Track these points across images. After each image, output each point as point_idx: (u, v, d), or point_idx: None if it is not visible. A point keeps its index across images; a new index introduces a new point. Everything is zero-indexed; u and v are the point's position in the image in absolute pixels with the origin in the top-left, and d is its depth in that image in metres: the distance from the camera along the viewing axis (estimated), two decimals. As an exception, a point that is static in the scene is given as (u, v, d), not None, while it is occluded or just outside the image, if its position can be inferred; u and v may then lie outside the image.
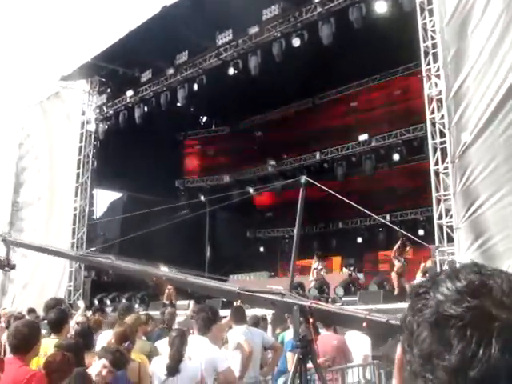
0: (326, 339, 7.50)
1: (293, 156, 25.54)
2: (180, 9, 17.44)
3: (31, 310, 12.86)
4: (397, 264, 16.03)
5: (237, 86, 20.79)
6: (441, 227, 13.09)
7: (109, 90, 23.81)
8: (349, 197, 8.84)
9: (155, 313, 12.67)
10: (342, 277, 19.07)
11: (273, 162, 25.90)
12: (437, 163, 13.30)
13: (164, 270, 6.74)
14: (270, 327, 11.58)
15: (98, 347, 6.39)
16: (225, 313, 8.87)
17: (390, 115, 22.99)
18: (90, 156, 23.14)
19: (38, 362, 4.89)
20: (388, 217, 22.12)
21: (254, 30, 18.19)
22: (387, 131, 22.30)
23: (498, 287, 0.86)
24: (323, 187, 6.69)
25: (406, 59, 20.61)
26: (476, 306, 0.84)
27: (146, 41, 18.50)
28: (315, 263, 17.86)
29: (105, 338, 6.95)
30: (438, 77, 13.22)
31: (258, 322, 8.94)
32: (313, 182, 5.55)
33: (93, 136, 23.38)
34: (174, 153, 28.42)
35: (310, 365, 4.87)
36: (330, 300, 14.97)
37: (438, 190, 13.32)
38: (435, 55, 13.37)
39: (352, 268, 21.22)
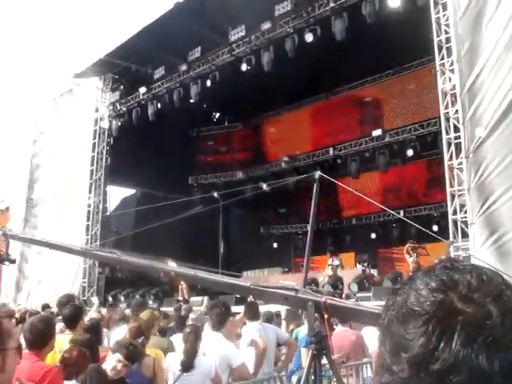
0: (343, 335, 7.49)
1: (306, 152, 25.50)
2: (192, 5, 17.44)
3: (46, 306, 12.93)
4: (409, 260, 15.96)
5: (250, 82, 20.76)
6: (455, 223, 13.01)
7: (122, 87, 23.86)
8: (362, 193, 8.83)
9: (169, 309, 12.72)
10: (356, 273, 19.01)
11: (286, 158, 25.87)
12: (451, 158, 13.22)
13: (172, 265, 6.70)
14: (283, 323, 11.58)
15: (112, 343, 6.41)
16: (238, 309, 8.87)
17: (404, 110, 22.89)
18: (104, 153, 23.21)
19: (53, 358, 4.92)
20: (402, 212, 22.02)
21: (266, 25, 18.16)
22: (401, 126, 22.21)
23: (466, 282, 0.88)
24: (338, 182, 6.66)
25: (420, 54, 20.51)
26: (441, 300, 0.86)
27: (158, 37, 18.51)
28: (329, 259, 17.83)
29: (119, 333, 6.97)
30: (451, 71, 13.13)
31: (272, 318, 8.94)
32: (327, 177, 5.51)
33: (106, 133, 23.46)
34: (187, 149, 28.44)
35: (324, 361, 4.86)
36: (343, 296, 14.93)
37: (452, 186, 13.24)
38: (449, 49, 13.27)
39: (366, 264, 21.15)
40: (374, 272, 21.25)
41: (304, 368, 4.71)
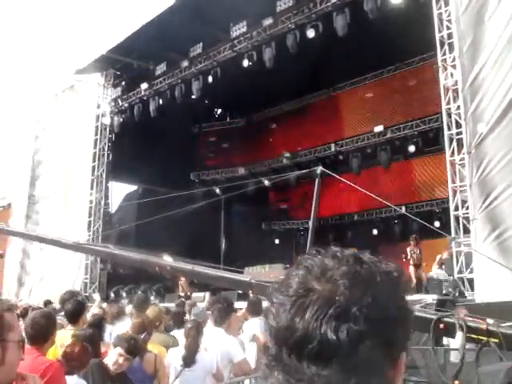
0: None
1: (308, 148, 25.49)
2: (194, 1, 17.43)
3: (48, 302, 12.95)
4: (413, 256, 15.97)
5: (251, 78, 20.72)
6: (457, 218, 13.01)
7: (123, 83, 23.87)
8: (364, 188, 8.82)
9: (171, 305, 12.72)
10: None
11: (288, 154, 25.87)
12: (453, 154, 13.21)
13: (168, 259, 6.64)
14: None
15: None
16: (241, 305, 8.87)
17: (406, 106, 22.87)
18: (106, 149, 23.22)
19: (54, 353, 4.92)
20: (403, 208, 22.01)
21: (268, 21, 18.14)
22: (403, 122, 22.19)
23: (322, 264, 1.01)
24: (339, 177, 6.66)
25: (422, 49, 20.47)
26: (301, 283, 0.99)
27: (160, 33, 18.49)
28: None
29: (122, 328, 6.98)
30: (453, 67, 13.10)
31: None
32: (329, 172, 5.52)
33: (108, 129, 23.46)
34: (189, 145, 28.42)
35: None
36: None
37: (454, 181, 13.24)
38: (451, 45, 13.25)
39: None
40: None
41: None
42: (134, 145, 23.84)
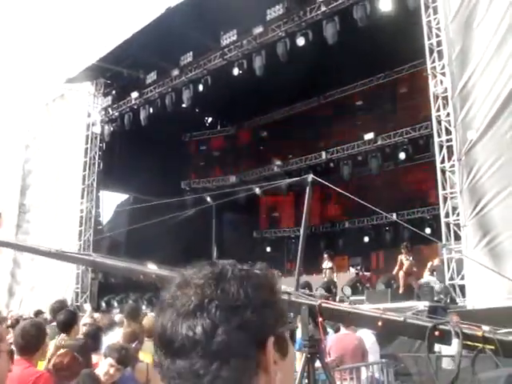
0: (345, 338, 7.52)
1: (298, 156, 25.50)
2: (184, 10, 17.43)
3: (38, 312, 12.88)
4: (405, 263, 15.97)
5: (242, 87, 20.77)
6: (448, 225, 13.05)
7: (114, 92, 23.84)
8: (355, 196, 8.82)
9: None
10: (348, 276, 19.01)
11: (278, 162, 25.87)
12: (443, 161, 13.26)
13: (152, 267, 6.57)
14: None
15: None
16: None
17: (396, 113, 22.96)
18: (96, 158, 23.17)
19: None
20: (395, 216, 22.03)
21: (258, 29, 18.19)
22: (393, 130, 22.24)
23: (183, 276, 1.14)
24: (330, 185, 6.66)
25: (411, 57, 20.56)
26: (169, 294, 1.12)
27: (150, 42, 18.51)
28: (324, 262, 17.79)
29: (113, 338, 6.94)
30: (443, 74, 13.18)
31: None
32: (319, 180, 5.51)
33: (98, 138, 23.41)
34: (180, 154, 28.39)
35: (318, 364, 4.85)
36: (337, 300, 14.93)
37: (444, 188, 13.29)
38: (440, 53, 13.33)
39: (359, 267, 21.16)
40: (368, 274, 21.26)
41: (298, 372, 4.70)
42: (125, 154, 23.78)
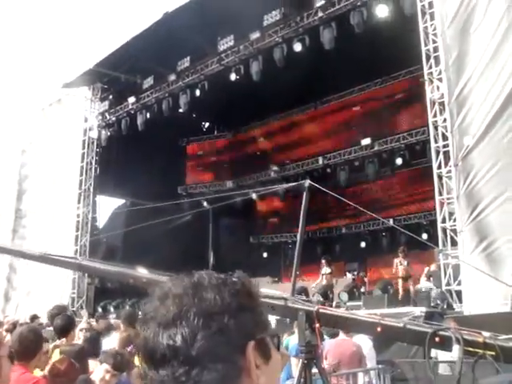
0: (343, 343, 7.51)
1: (295, 161, 25.52)
2: (181, 15, 17.45)
3: (34, 317, 12.84)
4: (399, 268, 15.97)
5: (239, 92, 20.79)
6: (444, 230, 13.05)
7: (111, 97, 23.83)
8: (351, 201, 8.83)
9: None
10: (345, 282, 19.01)
11: (275, 168, 25.88)
12: (440, 167, 13.27)
13: (143, 271, 6.49)
14: (274, 332, 11.49)
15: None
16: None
17: (393, 119, 22.98)
18: (93, 163, 23.14)
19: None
20: (391, 221, 22.05)
21: (255, 35, 18.22)
22: (390, 135, 22.28)
23: (163, 288, 1.18)
24: (327, 191, 6.65)
25: (408, 63, 20.58)
26: (152, 307, 1.17)
27: (147, 47, 18.54)
28: (323, 268, 17.76)
29: (109, 343, 6.92)
30: (440, 80, 13.20)
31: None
32: (316, 185, 5.51)
33: (95, 143, 23.39)
34: (177, 159, 28.39)
35: (315, 370, 4.84)
36: (333, 305, 14.91)
37: (441, 194, 13.29)
38: (437, 58, 13.35)
39: (356, 273, 21.17)
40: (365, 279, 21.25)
41: (294, 377, 4.70)
42: (122, 159, 23.76)
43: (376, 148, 22.40)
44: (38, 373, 4.42)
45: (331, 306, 13.30)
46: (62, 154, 23.26)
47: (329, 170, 24.21)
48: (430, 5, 13.61)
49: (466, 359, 3.82)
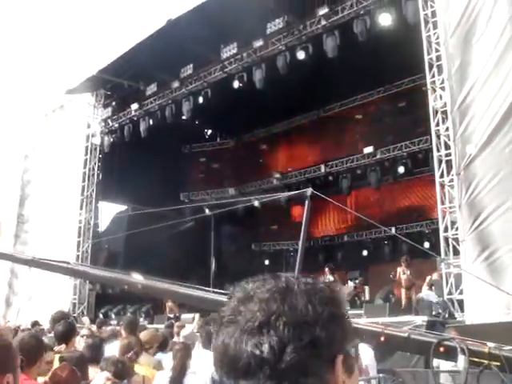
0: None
1: (298, 169, 25.53)
2: (185, 22, 17.50)
3: (35, 323, 12.84)
4: (402, 277, 15.94)
5: (242, 99, 20.80)
6: (446, 239, 13.03)
7: (114, 103, 23.88)
8: (353, 210, 8.85)
9: (160, 326, 12.64)
10: (346, 290, 18.97)
11: (278, 175, 25.89)
12: (442, 175, 13.26)
13: (137, 277, 6.42)
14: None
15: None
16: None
17: (395, 127, 22.98)
18: (95, 169, 23.17)
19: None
20: (393, 229, 22.03)
21: (258, 43, 18.26)
22: (392, 144, 22.29)
23: (245, 290, 1.10)
24: (329, 199, 6.65)
25: (411, 71, 20.61)
26: (228, 306, 1.09)
27: (151, 54, 18.57)
28: (326, 276, 17.73)
29: (110, 350, 6.91)
30: (442, 89, 13.20)
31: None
32: (319, 194, 5.52)
33: (98, 149, 23.43)
34: (179, 166, 28.39)
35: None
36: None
37: (443, 203, 13.27)
38: (440, 67, 13.36)
39: (357, 281, 21.12)
40: (366, 288, 21.21)
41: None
42: (124, 165, 23.78)
43: (378, 156, 22.42)
44: (40, 380, 4.42)
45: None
46: (65, 159, 23.30)
47: (331, 178, 24.21)
48: (433, 14, 13.63)
49: (471, 369, 3.81)
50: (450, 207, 12.98)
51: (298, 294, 1.06)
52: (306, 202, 5.25)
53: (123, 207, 29.10)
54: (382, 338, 4.30)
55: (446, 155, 13.09)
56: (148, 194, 24.64)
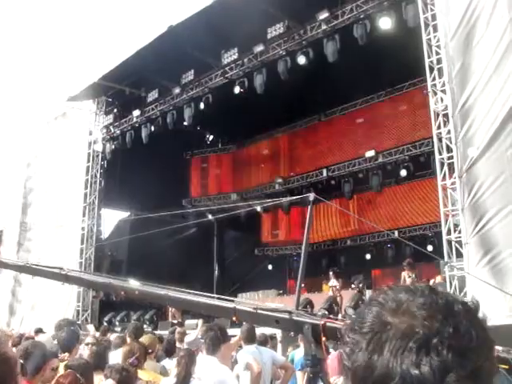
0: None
1: (300, 173, 25.54)
2: (186, 28, 17.53)
3: (39, 331, 12.82)
4: (408, 280, 15.92)
5: (243, 105, 20.83)
6: (449, 242, 12.99)
7: (115, 110, 23.90)
8: (356, 213, 8.84)
9: (164, 332, 12.63)
10: (349, 294, 18.94)
11: (280, 180, 25.90)
12: (444, 178, 13.24)
13: (134, 283, 6.32)
14: (279, 346, 11.48)
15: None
16: (233, 331, 8.79)
17: (397, 131, 22.99)
18: (98, 176, 23.18)
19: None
20: (396, 233, 22.03)
21: (259, 48, 18.28)
22: (394, 147, 22.30)
23: (397, 298, 0.99)
24: (332, 203, 6.65)
25: (411, 75, 20.65)
26: (375, 317, 0.98)
27: (152, 61, 18.62)
28: (331, 280, 17.71)
29: (115, 357, 6.90)
30: (443, 92, 13.19)
31: (266, 341, 8.84)
32: (321, 198, 5.51)
33: (100, 156, 23.46)
34: (181, 172, 28.43)
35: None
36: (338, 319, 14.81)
37: (445, 206, 13.25)
38: (440, 70, 13.36)
39: (361, 285, 21.07)
40: (369, 292, 21.18)
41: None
42: (126, 171, 23.82)
43: (380, 160, 22.43)
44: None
45: (337, 320, 13.25)
46: (67, 167, 23.33)
47: (333, 182, 24.22)
48: (433, 17, 13.63)
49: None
50: (453, 210, 12.96)
51: (461, 315, 0.97)
52: (309, 207, 5.23)
53: (126, 214, 29.15)
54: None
55: (448, 158, 13.07)
56: (150, 200, 24.68)
